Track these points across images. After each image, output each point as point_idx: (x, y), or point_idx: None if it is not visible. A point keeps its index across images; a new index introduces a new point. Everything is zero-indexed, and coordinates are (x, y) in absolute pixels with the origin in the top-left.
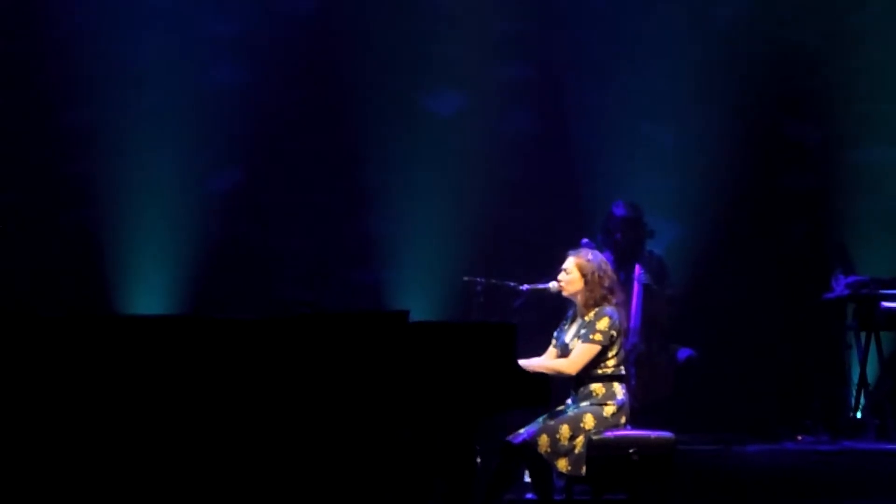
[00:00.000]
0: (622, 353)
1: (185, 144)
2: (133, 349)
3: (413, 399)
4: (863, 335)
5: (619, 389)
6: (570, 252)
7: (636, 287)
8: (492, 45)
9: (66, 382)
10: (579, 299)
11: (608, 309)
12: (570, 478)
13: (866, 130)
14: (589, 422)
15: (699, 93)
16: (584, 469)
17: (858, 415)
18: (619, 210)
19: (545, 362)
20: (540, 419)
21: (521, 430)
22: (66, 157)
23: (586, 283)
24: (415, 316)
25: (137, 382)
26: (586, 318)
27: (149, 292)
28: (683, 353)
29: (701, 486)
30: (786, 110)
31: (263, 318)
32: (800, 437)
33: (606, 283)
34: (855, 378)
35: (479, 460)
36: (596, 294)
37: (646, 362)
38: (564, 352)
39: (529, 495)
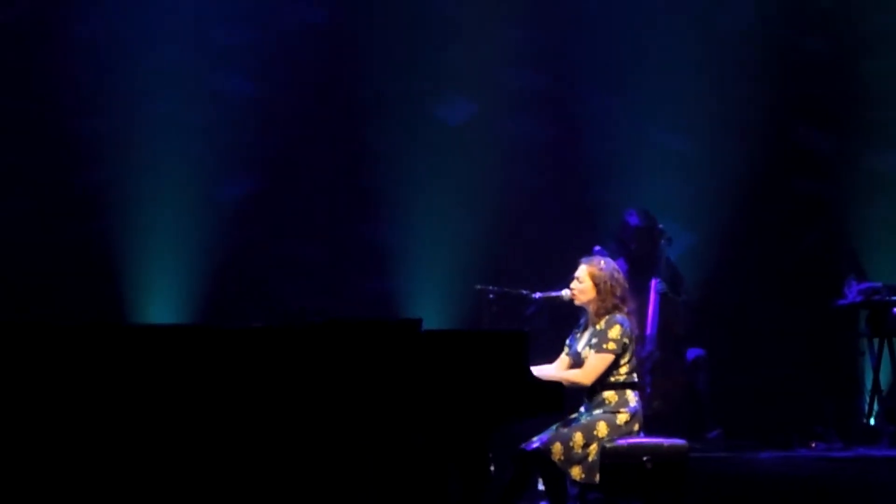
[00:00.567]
0: (634, 361)
1: (197, 153)
2: (146, 358)
3: (426, 408)
4: (875, 341)
5: (631, 397)
6: (583, 260)
7: (653, 296)
8: (503, 54)
9: (80, 391)
10: (591, 307)
11: (619, 317)
12: (584, 485)
13: (879, 137)
14: (602, 429)
15: (711, 99)
16: (597, 477)
17: (872, 421)
18: (633, 219)
19: (560, 373)
20: (553, 427)
21: (535, 438)
22: (77, 167)
23: (598, 291)
24: (427, 324)
25: (151, 392)
26: (597, 327)
27: (161, 301)
28: (692, 352)
29: (714, 494)
30: (798, 117)
31: (276, 326)
32: (813, 444)
33: (618, 291)
34: (868, 384)
35: (492, 468)
36: (608, 303)
37: (661, 369)
38: (577, 360)
39: (543, 503)
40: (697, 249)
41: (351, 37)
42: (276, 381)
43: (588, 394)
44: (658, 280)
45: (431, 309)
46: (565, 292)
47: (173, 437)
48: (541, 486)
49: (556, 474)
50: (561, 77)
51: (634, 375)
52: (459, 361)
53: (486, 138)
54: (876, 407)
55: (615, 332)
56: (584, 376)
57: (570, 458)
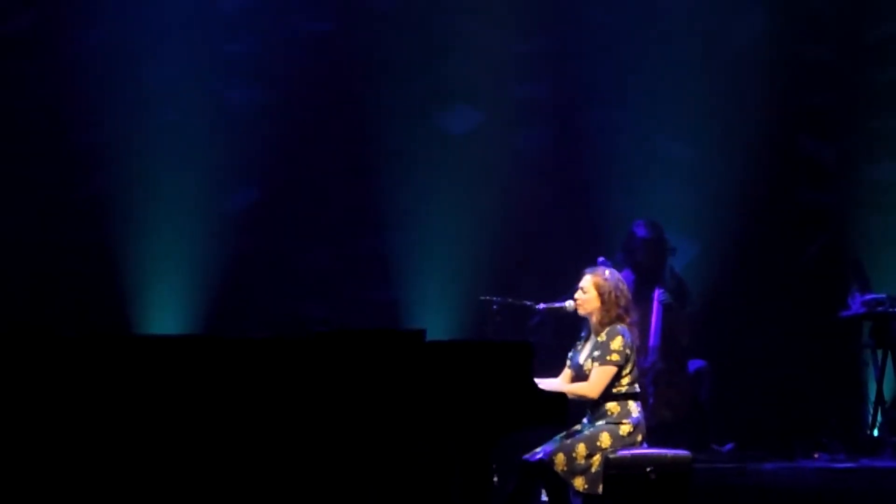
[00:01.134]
0: (636, 372)
1: (202, 163)
2: (150, 369)
3: (429, 418)
4: (879, 353)
5: (634, 408)
6: (587, 270)
7: (656, 306)
8: (508, 64)
9: (84, 403)
10: (594, 318)
11: (620, 328)
12: (587, 496)
13: (884, 147)
14: (605, 440)
15: (715, 109)
16: (600, 488)
17: (875, 432)
18: (641, 230)
19: (565, 387)
20: (556, 438)
21: (538, 449)
22: (81, 176)
23: (602, 301)
24: (431, 335)
25: (155, 403)
26: (599, 339)
27: (165, 309)
28: (694, 364)
29: None
30: (802, 127)
31: (280, 336)
32: (816, 455)
33: (622, 302)
34: (871, 396)
35: (495, 479)
36: (612, 313)
37: (664, 380)
38: (579, 373)
39: None
40: (702, 259)
41: (355, 47)
42: (280, 391)
43: (591, 405)
44: (661, 290)
45: (435, 319)
46: (569, 303)
47: (178, 447)
48: (544, 497)
49: (559, 485)
50: (566, 87)
51: (636, 386)
52: (463, 372)
53: (491, 148)
54: (879, 418)
55: (617, 343)
56: (591, 390)
57: (574, 469)
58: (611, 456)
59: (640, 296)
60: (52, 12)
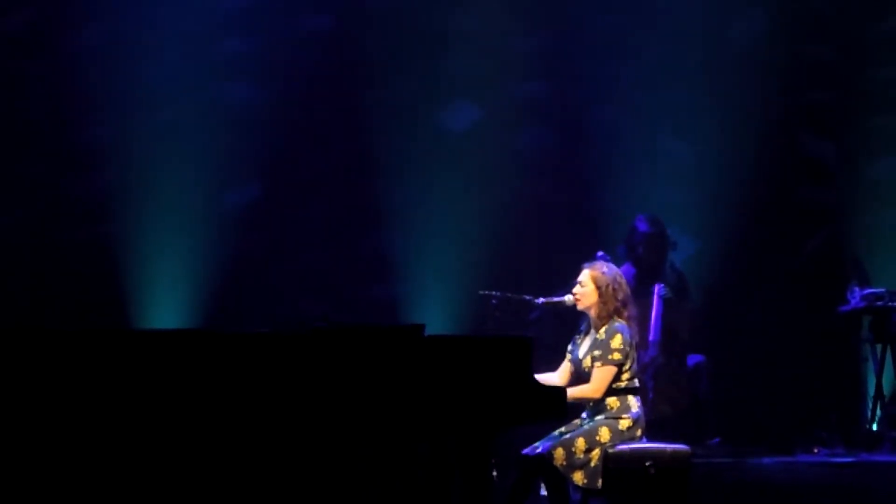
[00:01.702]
0: (635, 367)
1: (202, 160)
2: (149, 364)
3: (428, 413)
4: (878, 347)
5: (633, 402)
6: (585, 265)
7: (656, 301)
8: (508, 61)
9: (83, 397)
10: (593, 312)
11: (618, 325)
12: (586, 491)
13: (883, 144)
14: (605, 435)
15: (716, 107)
16: (600, 482)
17: (874, 427)
18: (642, 225)
19: (569, 391)
20: (556, 432)
21: (537, 444)
22: (81, 173)
23: (600, 295)
24: (430, 330)
25: (153, 397)
26: (598, 336)
27: (165, 307)
28: (693, 358)
29: (717, 499)
30: (802, 124)
31: (279, 332)
32: (816, 450)
33: (620, 296)
34: (871, 390)
35: (495, 473)
36: (610, 307)
37: (664, 375)
38: (578, 367)
39: None
40: (702, 256)
41: (355, 44)
42: (280, 386)
43: (590, 401)
44: (661, 285)
45: (435, 314)
46: (568, 298)
47: (178, 442)
48: (543, 492)
49: (558, 480)
50: (566, 85)
51: (636, 381)
52: (463, 367)
53: (491, 146)
54: (879, 412)
55: (617, 342)
56: (594, 391)
57: (573, 464)
58: (610, 450)
59: (641, 290)
60: (51, 10)
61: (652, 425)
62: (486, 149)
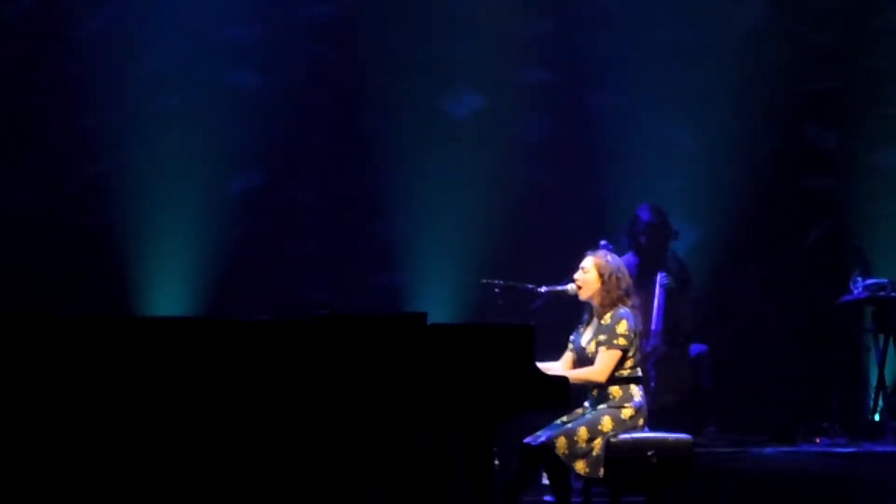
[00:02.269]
0: (638, 355)
1: (205, 147)
2: (152, 352)
3: (431, 401)
4: (881, 337)
5: (636, 391)
6: (588, 253)
7: (658, 290)
8: (512, 48)
9: (85, 385)
10: (596, 300)
11: (623, 311)
12: (588, 480)
13: (886, 133)
14: (607, 424)
15: (720, 95)
16: (601, 471)
17: (876, 417)
18: (645, 214)
19: (572, 372)
20: (558, 421)
21: (539, 432)
22: (84, 160)
23: (603, 283)
24: (433, 318)
25: (155, 385)
26: (602, 322)
27: (168, 294)
28: (695, 348)
29: (719, 489)
30: (806, 113)
31: (282, 320)
32: (818, 440)
33: (623, 284)
34: (873, 380)
35: (496, 462)
36: (613, 295)
37: (666, 364)
38: (581, 355)
39: (547, 497)
40: (704, 245)
41: (359, 31)
42: (282, 374)
43: (592, 388)
44: (664, 274)
45: (437, 302)
46: (571, 286)
47: (180, 429)
48: (545, 481)
49: (560, 468)
50: (569, 72)
51: (639, 370)
52: (465, 355)
53: (495, 133)
54: (881, 403)
55: (622, 327)
56: (599, 374)
57: (575, 453)
58: (612, 440)
59: (643, 279)
60: None
61: (654, 415)
62: (489, 136)
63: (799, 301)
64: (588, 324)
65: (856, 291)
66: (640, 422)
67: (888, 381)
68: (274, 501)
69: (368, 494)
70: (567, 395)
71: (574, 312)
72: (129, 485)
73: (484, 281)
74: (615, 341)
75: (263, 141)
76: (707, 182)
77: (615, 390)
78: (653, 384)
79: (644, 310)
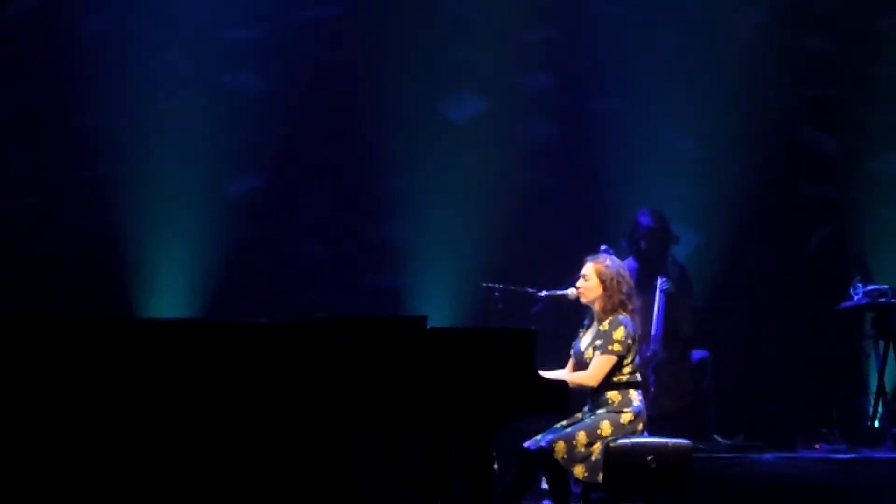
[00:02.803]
0: (637, 361)
1: (205, 149)
2: (152, 353)
3: (430, 405)
4: (881, 344)
5: (635, 396)
6: (589, 258)
7: (659, 295)
8: (513, 53)
9: (87, 386)
10: (597, 305)
11: (622, 317)
12: (587, 484)
13: (886, 139)
14: (606, 429)
15: (720, 101)
16: (600, 476)
17: (876, 424)
18: (645, 219)
19: (566, 375)
20: (557, 426)
21: (539, 437)
22: (85, 161)
23: (605, 289)
24: (433, 322)
25: (154, 387)
26: (601, 328)
27: (168, 296)
28: (697, 354)
29: (718, 494)
30: (806, 119)
31: (282, 322)
32: (817, 446)
33: (624, 288)
34: (873, 387)
35: (496, 466)
36: (614, 300)
37: (666, 370)
38: (580, 360)
39: (546, 502)
40: (704, 250)
41: (359, 34)
42: (281, 377)
43: (592, 393)
44: (664, 279)
45: (438, 306)
46: (571, 291)
47: (179, 432)
48: (544, 485)
49: (559, 473)
50: (571, 77)
51: (638, 375)
52: (465, 359)
53: (496, 137)
54: (880, 409)
55: (619, 333)
56: (591, 378)
57: (574, 457)
58: (611, 444)
59: (643, 284)
60: None
61: (653, 420)
62: (490, 140)
63: (799, 307)
64: (588, 328)
65: (856, 297)
66: (640, 427)
67: (888, 387)
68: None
69: (367, 497)
70: (566, 400)
71: (574, 317)
72: (128, 485)
73: (484, 285)
74: (610, 347)
75: (264, 143)
76: (708, 187)
77: (614, 395)
78: (653, 389)
79: (644, 315)
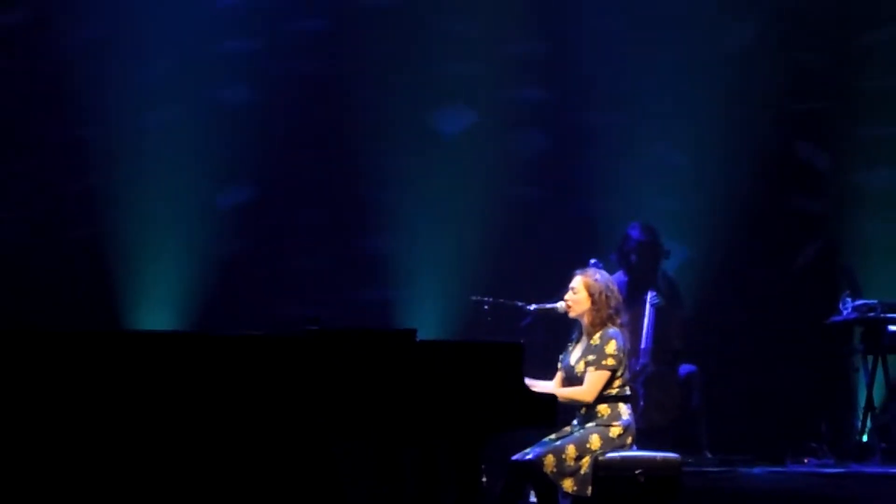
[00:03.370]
0: (627, 374)
1: (195, 162)
2: (140, 365)
3: (419, 417)
4: (870, 358)
5: (624, 410)
6: (577, 271)
7: (648, 309)
8: (503, 66)
9: (75, 397)
10: (585, 319)
11: (612, 331)
12: (576, 498)
13: (876, 153)
14: (595, 442)
15: (710, 114)
16: (589, 490)
17: (865, 438)
18: (636, 232)
19: (559, 391)
20: (546, 439)
21: (528, 450)
22: (75, 174)
23: (593, 302)
24: (422, 335)
25: (144, 398)
26: (592, 342)
27: (157, 308)
28: (685, 369)
29: None
30: (795, 133)
31: (270, 335)
32: (806, 460)
33: (613, 303)
34: (861, 401)
35: (484, 480)
36: (603, 314)
37: (655, 383)
38: (569, 374)
39: None
40: (694, 264)
41: (349, 47)
42: (271, 389)
43: (581, 407)
44: (654, 293)
45: (427, 319)
46: (560, 304)
47: (166, 443)
48: (533, 499)
49: (548, 486)
50: (562, 91)
51: (627, 389)
52: (454, 372)
53: (485, 150)
54: (869, 423)
55: (612, 347)
56: (587, 394)
57: (563, 471)
58: (600, 458)
59: (633, 298)
60: (44, 10)
61: (642, 433)
62: (481, 153)
63: (788, 321)
64: (577, 342)
65: (845, 312)
66: (629, 440)
67: (876, 401)
68: None
69: None
70: (555, 414)
71: (563, 330)
72: (113, 495)
73: (473, 298)
74: (604, 362)
75: (253, 156)
76: (698, 201)
77: (603, 409)
78: (642, 403)
79: (633, 328)
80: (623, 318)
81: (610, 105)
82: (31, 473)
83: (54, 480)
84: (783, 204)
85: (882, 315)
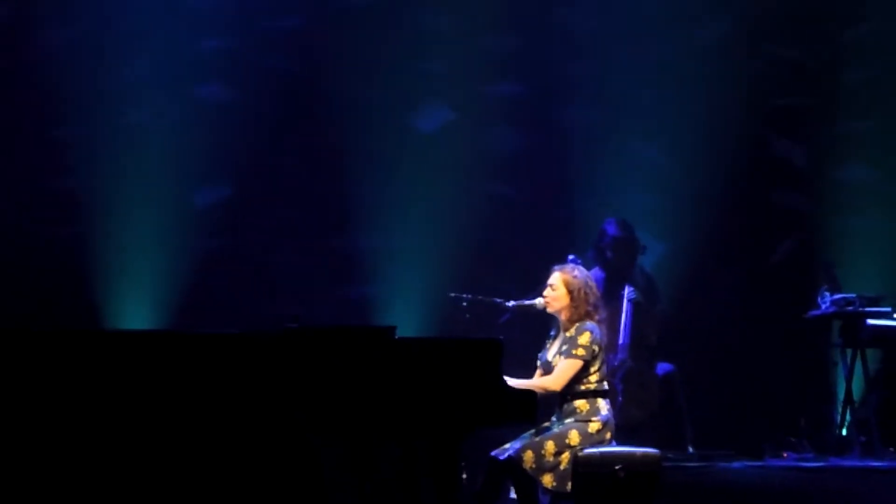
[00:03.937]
0: (604, 369)
1: (174, 160)
2: (121, 364)
3: (399, 414)
4: (848, 352)
5: (602, 405)
6: (556, 267)
7: (626, 304)
8: (480, 62)
9: (55, 397)
10: (563, 315)
11: (589, 324)
12: (556, 494)
13: (854, 149)
14: (574, 438)
15: (687, 110)
16: (569, 485)
17: (844, 432)
18: (612, 228)
19: (529, 381)
20: (525, 435)
21: (507, 446)
22: (54, 172)
23: (572, 298)
24: (401, 331)
25: (123, 396)
26: (567, 334)
27: (137, 306)
28: (662, 367)
29: (687, 503)
30: (773, 128)
31: (250, 332)
32: (785, 454)
33: (591, 299)
34: (840, 395)
35: (464, 475)
36: (581, 310)
37: (634, 379)
38: (547, 369)
39: None
40: (672, 260)
41: (327, 44)
42: (250, 387)
43: (560, 402)
44: (631, 288)
45: (406, 316)
46: (539, 301)
47: (147, 440)
48: (512, 495)
49: (527, 482)
50: (538, 87)
51: (605, 384)
52: (433, 369)
53: (463, 147)
54: (848, 417)
55: (584, 338)
56: (554, 382)
57: (542, 466)
58: (579, 453)
59: (610, 294)
60: (23, 9)
61: (621, 429)
62: (458, 149)
63: (767, 316)
64: (555, 338)
65: (823, 306)
66: (608, 436)
67: (855, 395)
68: None
69: None
70: (535, 411)
71: (542, 327)
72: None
73: (452, 294)
74: (574, 351)
75: (232, 154)
76: (675, 197)
77: (582, 404)
78: (620, 398)
79: (611, 324)
80: (601, 314)
81: (586, 101)
82: (14, 471)
83: (29, 474)
84: (761, 199)
85: (860, 309)
